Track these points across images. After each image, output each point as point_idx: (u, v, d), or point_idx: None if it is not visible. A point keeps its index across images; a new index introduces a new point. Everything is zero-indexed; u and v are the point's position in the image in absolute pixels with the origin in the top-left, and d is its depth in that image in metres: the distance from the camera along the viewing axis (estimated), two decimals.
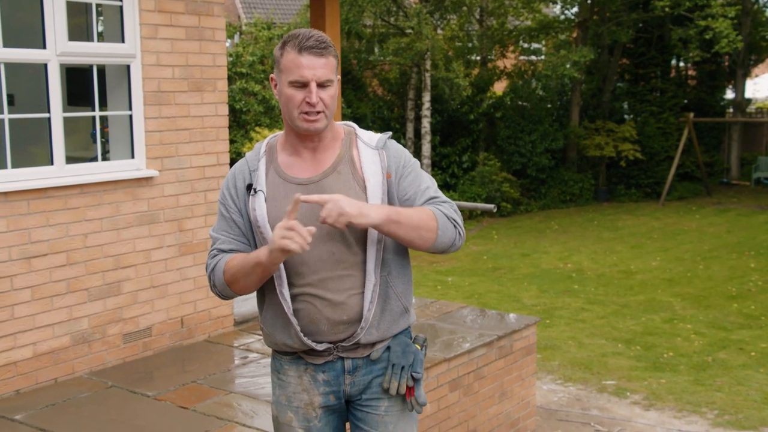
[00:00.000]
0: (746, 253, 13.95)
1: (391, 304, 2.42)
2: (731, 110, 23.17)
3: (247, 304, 5.80)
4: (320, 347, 2.40)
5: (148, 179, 4.82)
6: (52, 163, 4.43)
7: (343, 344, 2.41)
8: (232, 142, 16.41)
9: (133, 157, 4.79)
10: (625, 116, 22.27)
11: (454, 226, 2.38)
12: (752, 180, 21.90)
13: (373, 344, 2.43)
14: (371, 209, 2.24)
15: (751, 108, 25.35)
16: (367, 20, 19.56)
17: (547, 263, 13.75)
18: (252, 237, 2.43)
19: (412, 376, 2.44)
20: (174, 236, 5.00)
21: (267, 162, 2.43)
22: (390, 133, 2.51)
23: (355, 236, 2.36)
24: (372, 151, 2.42)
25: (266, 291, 2.43)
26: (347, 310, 2.37)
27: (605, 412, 6.80)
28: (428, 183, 2.45)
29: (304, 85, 2.29)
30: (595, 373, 7.80)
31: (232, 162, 15.41)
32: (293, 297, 2.38)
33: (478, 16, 21.66)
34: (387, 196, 2.38)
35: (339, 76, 2.38)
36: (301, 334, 2.37)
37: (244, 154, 17.95)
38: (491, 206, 6.09)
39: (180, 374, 4.62)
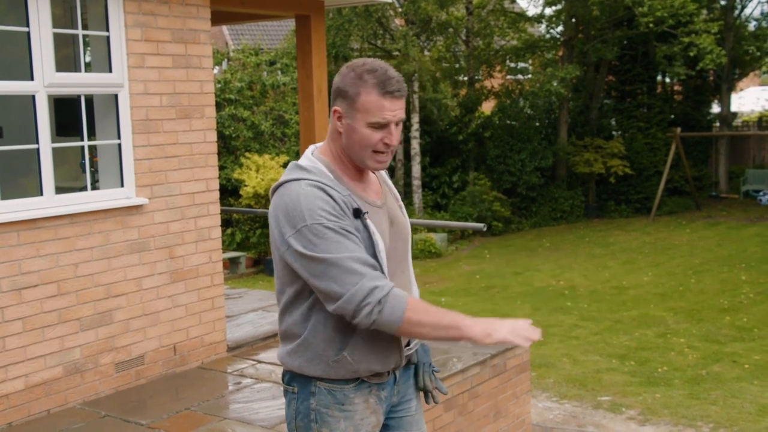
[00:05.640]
0: (737, 266, 14.01)
1: None
2: (717, 124, 23.36)
3: (241, 329, 5.79)
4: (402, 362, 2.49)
5: (137, 207, 4.83)
6: (41, 194, 4.44)
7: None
8: (221, 168, 16.43)
9: (122, 185, 4.80)
10: (613, 132, 22.43)
11: None
12: (741, 193, 22.04)
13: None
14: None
15: (737, 121, 25.57)
16: (354, 44, 19.68)
17: (540, 281, 13.77)
18: None
19: (433, 370, 2.60)
20: (165, 263, 5.01)
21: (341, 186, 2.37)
22: None
23: (407, 252, 2.52)
24: (384, 174, 2.59)
25: None
26: None
27: (601, 429, 6.80)
28: None
29: (383, 126, 2.29)
30: (590, 390, 7.80)
31: (222, 188, 15.37)
32: None
33: (464, 37, 21.82)
34: None
35: None
36: (404, 350, 2.45)
37: (234, 179, 17.65)
38: (481, 225, 6.11)
39: (173, 402, 4.61)
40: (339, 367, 2.35)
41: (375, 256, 2.29)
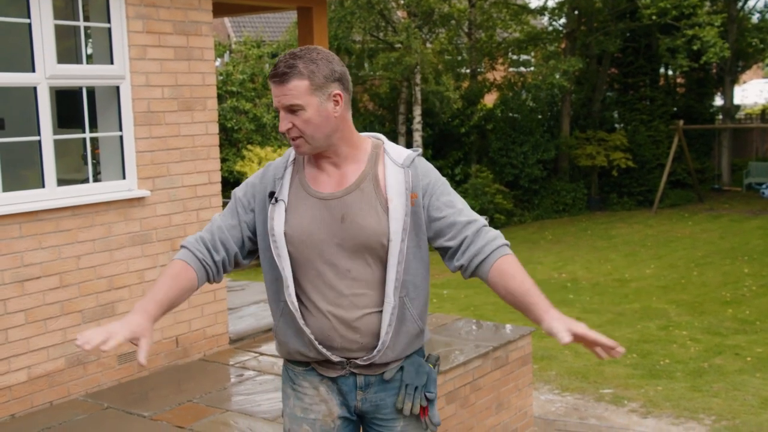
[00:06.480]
0: (739, 259, 14.00)
1: (407, 326, 2.38)
2: (720, 117, 23.31)
3: (243, 322, 5.80)
4: (335, 358, 2.37)
5: (140, 199, 4.83)
6: (43, 186, 4.44)
7: (356, 361, 2.38)
8: (224, 160, 16.43)
9: (124, 177, 4.80)
10: (616, 125, 22.40)
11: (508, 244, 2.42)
12: (743, 186, 22.01)
13: (387, 364, 2.41)
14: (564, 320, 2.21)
15: (740, 114, 25.52)
16: (356, 36, 19.65)
17: (542, 273, 13.77)
18: (247, 238, 2.42)
19: (425, 396, 2.42)
20: (167, 256, 5.00)
21: (293, 171, 2.40)
22: (420, 150, 2.45)
23: (375, 255, 2.32)
24: (398, 168, 2.35)
25: (280, 300, 2.40)
26: (361, 329, 2.35)
27: (603, 421, 6.80)
28: (461, 204, 2.40)
29: (277, 111, 2.30)
30: (592, 382, 7.80)
31: (224, 180, 15.42)
32: (307, 308, 2.36)
33: (466, 29, 21.78)
34: (411, 217, 2.32)
35: (337, 91, 2.27)
36: (316, 342, 2.35)
37: (236, 172, 17.68)
38: (483, 218, 6.10)
39: (176, 394, 4.61)
40: (278, 346, 2.49)
41: (272, 237, 2.36)
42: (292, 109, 2.25)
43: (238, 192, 2.46)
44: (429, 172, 2.39)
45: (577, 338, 2.15)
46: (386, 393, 2.43)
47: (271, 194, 2.37)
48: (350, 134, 2.36)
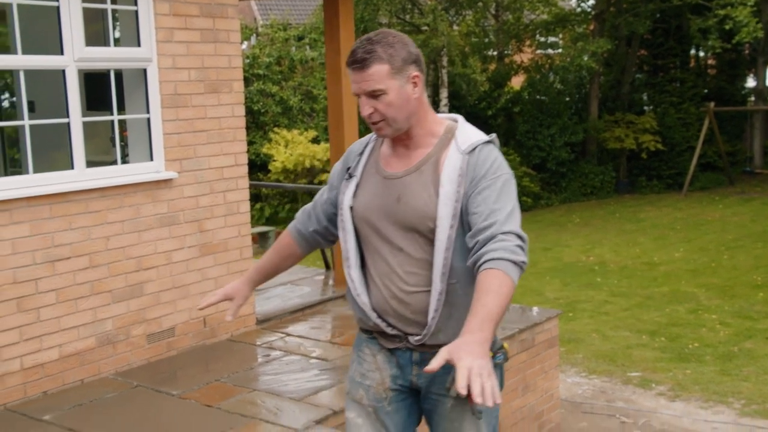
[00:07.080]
0: None
1: (459, 312, 2.33)
2: (753, 99, 22.91)
3: (270, 303, 5.84)
4: (390, 331, 2.44)
5: (167, 181, 4.87)
6: (72, 168, 4.49)
7: (410, 338, 2.44)
8: (250, 143, 16.49)
9: (152, 159, 4.84)
10: (645, 107, 22.11)
11: (521, 265, 2.18)
12: None
13: (440, 345, 2.31)
14: (482, 347, 1.98)
15: None
16: (382, 18, 19.56)
17: (570, 256, 13.68)
18: (332, 213, 2.58)
19: None
20: (194, 237, 5.05)
21: (372, 149, 2.50)
22: (491, 137, 2.38)
23: (425, 237, 2.34)
24: (459, 155, 2.32)
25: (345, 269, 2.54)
26: (411, 307, 2.39)
27: (630, 404, 6.77)
28: (501, 204, 2.25)
29: (358, 96, 2.33)
30: (620, 365, 7.76)
31: (251, 163, 15.48)
32: (368, 280, 2.47)
33: (493, 11, 21.59)
34: (460, 204, 2.29)
35: (415, 73, 2.30)
36: (370, 312, 2.45)
37: (263, 155, 17.81)
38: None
39: (204, 373, 4.66)
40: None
41: (340, 210, 2.51)
42: (374, 94, 2.28)
43: (332, 174, 2.61)
44: (485, 162, 2.30)
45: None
46: (441, 369, 2.36)
47: (347, 170, 2.50)
48: (425, 116, 2.39)
